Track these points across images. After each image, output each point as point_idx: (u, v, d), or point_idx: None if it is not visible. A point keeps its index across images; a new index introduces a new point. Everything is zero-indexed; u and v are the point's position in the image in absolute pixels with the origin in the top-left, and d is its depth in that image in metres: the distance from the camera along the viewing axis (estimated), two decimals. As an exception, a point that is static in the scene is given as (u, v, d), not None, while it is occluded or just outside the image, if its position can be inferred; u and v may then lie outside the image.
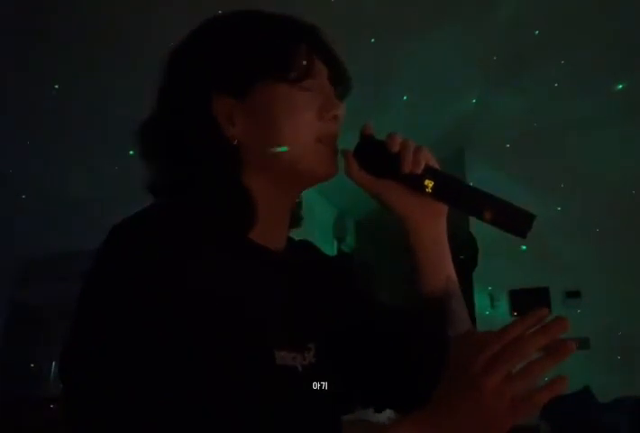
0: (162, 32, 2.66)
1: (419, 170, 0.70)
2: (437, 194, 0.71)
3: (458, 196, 0.71)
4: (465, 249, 3.67)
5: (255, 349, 0.60)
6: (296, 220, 0.79)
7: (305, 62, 0.69)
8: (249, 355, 0.59)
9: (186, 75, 0.70)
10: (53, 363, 4.40)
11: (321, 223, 4.59)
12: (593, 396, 3.08)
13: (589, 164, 3.61)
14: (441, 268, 0.76)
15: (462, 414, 0.52)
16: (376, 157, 0.72)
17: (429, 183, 0.71)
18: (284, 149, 0.68)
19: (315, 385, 0.66)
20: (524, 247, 3.48)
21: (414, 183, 0.72)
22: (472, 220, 3.64)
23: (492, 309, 3.67)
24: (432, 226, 0.75)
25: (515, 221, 0.68)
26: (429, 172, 0.71)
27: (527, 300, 3.59)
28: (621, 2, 2.66)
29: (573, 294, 3.56)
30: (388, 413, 0.69)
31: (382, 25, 2.66)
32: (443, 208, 0.75)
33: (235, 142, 0.68)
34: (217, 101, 0.68)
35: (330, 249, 4.66)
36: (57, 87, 2.87)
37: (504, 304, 3.70)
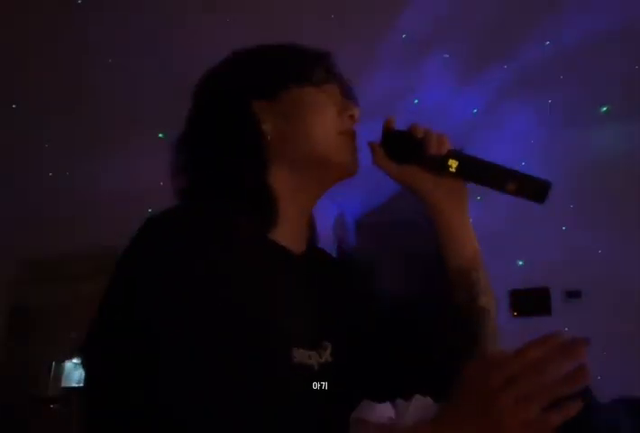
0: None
1: (444, 151, 0.77)
2: (461, 172, 0.77)
3: (480, 172, 0.76)
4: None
5: (272, 347, 0.61)
6: (314, 235, 0.85)
7: (322, 73, 0.80)
8: (266, 353, 0.60)
9: (226, 84, 0.80)
10: (53, 363, 4.40)
11: (321, 223, 4.59)
12: (593, 396, 3.08)
13: (593, 163, 3.61)
14: (467, 243, 0.81)
15: (475, 428, 0.53)
16: (402, 144, 0.79)
17: (453, 163, 0.76)
18: (312, 140, 0.75)
19: (331, 383, 0.67)
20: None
21: (438, 164, 0.77)
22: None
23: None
24: (456, 206, 0.81)
25: (534, 190, 0.74)
26: (452, 154, 0.77)
27: (527, 300, 3.60)
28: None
29: (573, 294, 3.56)
30: (388, 413, 0.69)
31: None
32: (465, 188, 0.81)
33: (268, 138, 0.75)
34: (253, 103, 0.76)
35: (330, 249, 4.66)
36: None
37: (504, 304, 3.69)
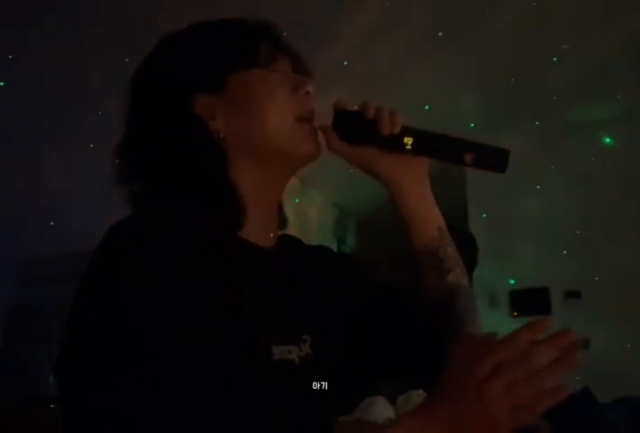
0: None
1: (397, 130, 0.74)
2: (417, 149, 0.75)
3: (436, 147, 0.75)
4: (465, 249, 3.65)
5: (252, 347, 0.61)
6: (283, 222, 0.81)
7: (269, 49, 0.74)
8: (246, 353, 0.59)
9: (161, 82, 0.73)
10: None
11: (321, 223, 4.59)
12: (593, 396, 3.07)
13: (594, 163, 3.60)
14: (431, 221, 0.79)
15: (464, 415, 0.53)
16: (354, 126, 0.76)
17: (408, 140, 0.74)
18: (270, 131, 0.71)
19: (312, 377, 0.67)
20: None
21: (393, 143, 0.75)
22: (472, 221, 3.64)
23: (492, 310, 3.66)
24: (416, 183, 0.79)
25: (493, 160, 0.73)
26: (406, 131, 0.75)
27: (527, 301, 3.59)
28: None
29: (573, 294, 3.56)
30: (387, 413, 0.69)
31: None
32: (425, 164, 0.79)
33: (220, 136, 0.71)
34: (197, 100, 0.71)
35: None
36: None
37: (504, 304, 3.69)
